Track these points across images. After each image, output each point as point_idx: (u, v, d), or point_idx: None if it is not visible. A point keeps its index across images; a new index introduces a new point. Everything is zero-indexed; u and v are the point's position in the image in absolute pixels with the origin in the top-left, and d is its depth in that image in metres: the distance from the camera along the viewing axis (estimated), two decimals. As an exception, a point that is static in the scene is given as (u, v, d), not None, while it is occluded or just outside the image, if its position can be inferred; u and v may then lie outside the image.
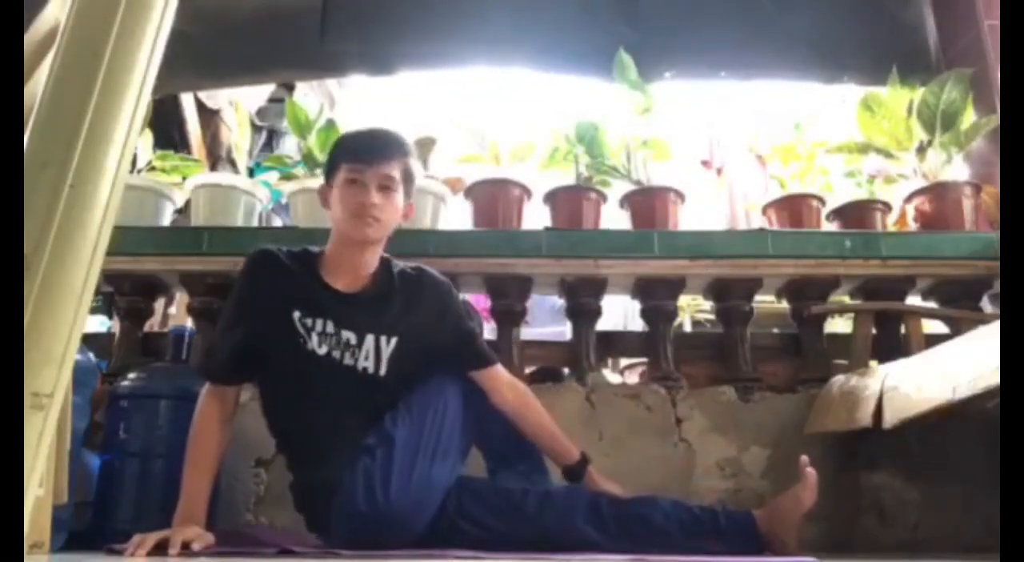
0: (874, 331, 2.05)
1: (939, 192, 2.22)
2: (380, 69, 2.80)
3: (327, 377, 1.48)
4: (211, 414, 1.47)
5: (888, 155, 2.31)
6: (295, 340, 1.47)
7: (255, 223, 2.30)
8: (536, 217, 2.31)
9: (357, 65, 2.78)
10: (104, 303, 2.77)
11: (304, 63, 2.78)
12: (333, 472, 1.40)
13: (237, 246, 2.03)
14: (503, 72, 2.89)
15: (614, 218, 2.33)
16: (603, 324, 2.23)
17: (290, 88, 3.86)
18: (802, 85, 2.91)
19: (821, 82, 2.77)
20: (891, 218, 2.32)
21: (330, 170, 1.56)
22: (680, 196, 2.28)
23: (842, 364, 2.03)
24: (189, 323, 2.20)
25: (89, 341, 1.89)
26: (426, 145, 2.42)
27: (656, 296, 2.16)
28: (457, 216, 2.38)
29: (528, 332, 2.36)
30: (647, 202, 2.25)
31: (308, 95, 3.78)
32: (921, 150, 2.26)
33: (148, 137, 2.33)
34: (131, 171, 2.17)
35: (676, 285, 2.16)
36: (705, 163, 3.96)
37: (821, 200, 2.32)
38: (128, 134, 0.81)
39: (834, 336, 2.23)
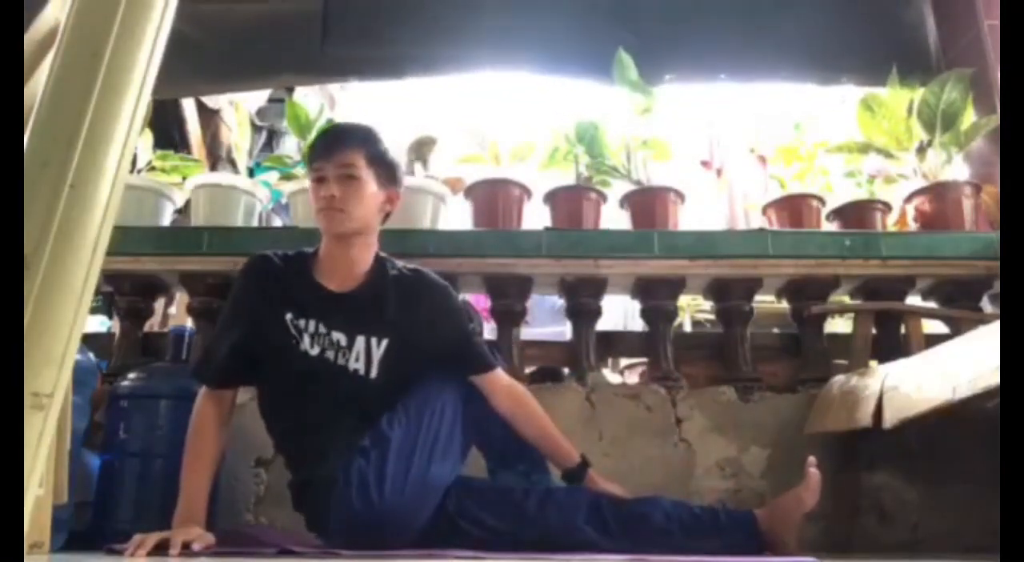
0: (874, 331, 2.05)
1: (939, 192, 2.22)
2: (380, 74, 2.80)
3: (320, 377, 1.48)
4: (208, 415, 1.47)
5: (888, 155, 2.32)
6: (288, 341, 1.48)
7: (255, 223, 2.30)
8: (536, 217, 2.31)
9: (358, 70, 2.79)
10: (104, 303, 2.77)
11: (305, 68, 2.79)
12: (328, 472, 1.40)
13: (237, 246, 2.03)
14: (504, 74, 2.89)
15: (614, 218, 2.33)
16: (603, 324, 2.23)
17: (290, 88, 3.86)
18: (802, 86, 2.91)
19: (821, 84, 2.77)
20: (891, 218, 2.32)
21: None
22: (680, 196, 2.28)
23: (842, 364, 2.03)
24: (189, 323, 2.20)
25: (89, 341, 1.89)
26: (426, 145, 2.42)
27: (656, 296, 2.16)
28: (457, 216, 2.38)
29: (528, 332, 2.36)
30: (647, 202, 2.25)
31: (308, 95, 3.78)
32: (921, 150, 2.26)
33: (148, 137, 2.33)
34: (131, 171, 2.17)
35: (676, 285, 2.16)
36: (705, 163, 3.96)
37: (821, 200, 2.32)
38: (128, 134, 0.81)
39: (834, 336, 2.23)
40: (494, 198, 2.27)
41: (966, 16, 2.53)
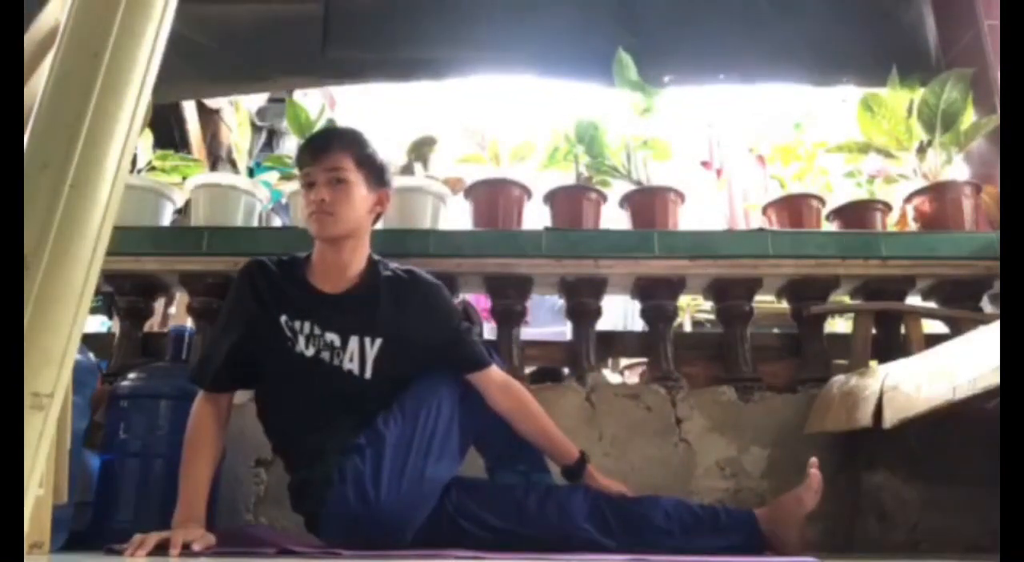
0: (874, 331, 2.05)
1: (939, 192, 2.22)
2: (381, 77, 2.80)
3: (316, 378, 1.49)
4: (206, 417, 1.47)
5: (888, 155, 2.32)
6: (284, 343, 1.48)
7: (255, 223, 2.30)
8: (536, 217, 2.31)
9: (359, 73, 2.79)
10: (104, 303, 2.78)
11: (306, 71, 2.79)
12: (324, 472, 1.40)
13: (237, 246, 2.03)
14: (504, 77, 2.90)
15: (614, 218, 2.33)
16: (603, 324, 2.23)
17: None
18: (802, 87, 2.91)
19: (821, 84, 2.77)
20: (891, 218, 2.32)
21: None
22: (680, 196, 2.28)
23: (842, 364, 2.03)
24: (189, 323, 2.20)
25: (89, 341, 1.89)
26: (426, 145, 2.41)
27: (656, 296, 2.16)
28: (457, 216, 2.38)
29: (528, 332, 2.36)
30: (647, 202, 2.25)
31: (308, 95, 3.78)
32: (921, 150, 2.26)
33: (148, 137, 2.33)
34: (131, 171, 2.17)
35: (676, 285, 2.16)
36: (705, 163, 3.97)
37: (821, 200, 2.32)
38: (128, 134, 0.81)
39: (834, 336, 2.23)
40: (494, 198, 2.27)
41: (966, 16, 2.53)
